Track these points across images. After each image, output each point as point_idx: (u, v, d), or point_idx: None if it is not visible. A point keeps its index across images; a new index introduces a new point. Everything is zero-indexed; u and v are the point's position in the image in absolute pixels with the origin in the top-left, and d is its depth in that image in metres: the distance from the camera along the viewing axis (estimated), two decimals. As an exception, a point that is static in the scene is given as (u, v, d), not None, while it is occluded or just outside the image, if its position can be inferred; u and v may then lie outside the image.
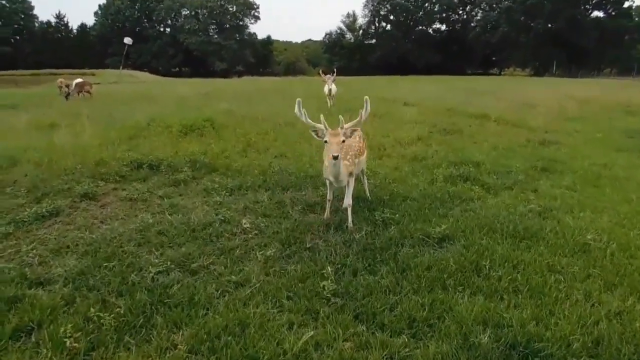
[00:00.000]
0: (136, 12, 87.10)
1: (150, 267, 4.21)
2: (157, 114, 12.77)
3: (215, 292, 3.89)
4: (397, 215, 5.56)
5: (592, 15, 73.59)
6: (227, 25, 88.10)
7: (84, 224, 5.31)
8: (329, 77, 15.91)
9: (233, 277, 4.09)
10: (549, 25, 73.69)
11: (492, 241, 4.87)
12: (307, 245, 4.77)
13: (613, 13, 71.14)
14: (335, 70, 17.34)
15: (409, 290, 3.92)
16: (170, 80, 46.71)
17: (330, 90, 15.63)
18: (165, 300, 3.71)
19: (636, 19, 72.84)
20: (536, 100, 19.70)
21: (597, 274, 4.26)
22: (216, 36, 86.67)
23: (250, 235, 5.06)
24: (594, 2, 72.45)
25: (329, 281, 3.97)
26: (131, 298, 3.73)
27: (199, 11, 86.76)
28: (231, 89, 25.91)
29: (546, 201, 6.34)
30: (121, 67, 44.34)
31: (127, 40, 37.65)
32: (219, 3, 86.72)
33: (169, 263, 4.31)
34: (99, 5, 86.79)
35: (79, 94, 19.03)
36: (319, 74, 18.19)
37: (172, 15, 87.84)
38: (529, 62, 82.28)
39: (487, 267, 4.30)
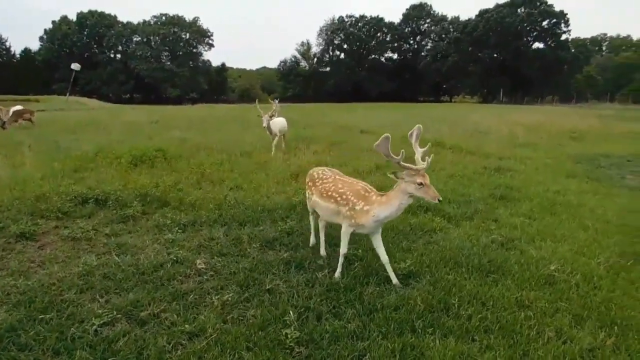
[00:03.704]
0: (85, 38, 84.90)
1: (93, 318, 3.79)
2: (106, 144, 12.27)
3: (167, 345, 3.52)
4: (360, 251, 5.37)
5: (533, 46, 78.02)
6: (180, 53, 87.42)
7: (19, 268, 4.80)
8: (267, 116, 12.20)
9: (187, 326, 3.73)
10: (495, 55, 77.59)
11: (459, 276, 4.75)
12: (267, 287, 4.47)
13: (552, 45, 75.59)
14: (276, 98, 14.15)
15: (377, 334, 3.69)
16: (120, 107, 45.37)
17: (268, 127, 12.26)
18: (110, 358, 3.32)
19: (572, 50, 77.47)
20: (487, 127, 20.32)
21: (565, 308, 4.21)
22: (169, 63, 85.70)
23: (205, 277, 4.71)
24: (534, 34, 76.85)
25: (292, 328, 3.70)
26: (70, 357, 3.31)
27: (151, 38, 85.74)
28: (184, 116, 25.44)
29: (507, 231, 6.34)
30: (68, 94, 42.81)
31: (75, 66, 36.57)
32: (171, 30, 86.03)
33: (114, 312, 3.90)
34: (45, 30, 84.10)
35: (17, 122, 17.95)
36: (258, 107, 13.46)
37: (123, 42, 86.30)
38: (477, 90, 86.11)
39: (455, 305, 4.15)
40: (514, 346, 3.59)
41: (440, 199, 4.17)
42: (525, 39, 77.50)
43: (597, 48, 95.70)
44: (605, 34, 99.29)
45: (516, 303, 4.26)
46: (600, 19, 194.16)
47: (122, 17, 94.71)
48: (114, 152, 10.54)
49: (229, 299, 4.22)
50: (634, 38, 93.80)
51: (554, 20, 75.22)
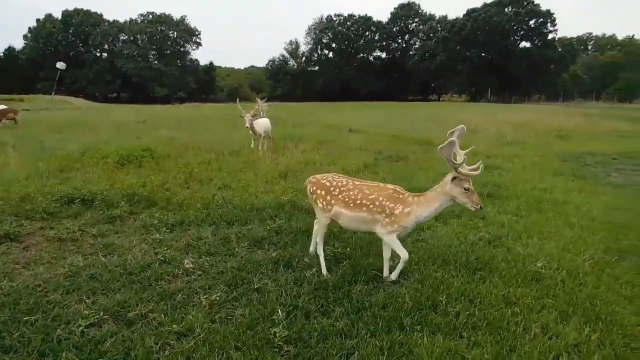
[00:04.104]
0: (70, 36, 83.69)
1: (80, 319, 3.75)
2: (92, 144, 12.15)
3: (155, 345, 3.49)
4: (348, 250, 5.39)
5: (521, 46, 78.66)
6: (168, 52, 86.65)
7: (3, 270, 4.75)
8: (249, 116, 11.76)
9: (175, 326, 3.71)
10: (483, 55, 78.13)
11: (447, 274, 4.79)
12: (256, 287, 4.46)
13: (539, 44, 76.22)
14: (263, 98, 13.53)
15: (365, 332, 3.70)
16: (107, 106, 44.98)
17: (252, 128, 11.82)
18: (97, 360, 3.29)
19: (559, 49, 78.18)
20: (476, 126, 20.42)
21: (552, 305, 4.25)
22: (157, 62, 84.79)
23: (193, 277, 4.69)
24: (522, 34, 77.47)
25: (281, 327, 3.70)
26: (56, 359, 3.28)
27: (139, 37, 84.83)
28: (172, 116, 25.28)
29: (495, 229, 6.40)
30: (53, 93, 42.26)
31: (60, 65, 35.98)
32: (159, 29, 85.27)
33: (102, 313, 3.86)
34: (29, 28, 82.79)
35: (1, 122, 17.70)
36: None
37: (110, 41, 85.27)
38: (465, 89, 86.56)
39: (444, 302, 4.17)
40: (502, 342, 3.63)
41: (483, 206, 4.19)
42: (512, 39, 78.08)
43: (583, 47, 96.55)
44: (591, 34, 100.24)
45: (503, 300, 4.31)
46: (586, 18, 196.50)
47: (109, 16, 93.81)
48: (101, 152, 10.47)
49: (218, 298, 4.20)
50: (619, 37, 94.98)
51: (541, 19, 75.81)
